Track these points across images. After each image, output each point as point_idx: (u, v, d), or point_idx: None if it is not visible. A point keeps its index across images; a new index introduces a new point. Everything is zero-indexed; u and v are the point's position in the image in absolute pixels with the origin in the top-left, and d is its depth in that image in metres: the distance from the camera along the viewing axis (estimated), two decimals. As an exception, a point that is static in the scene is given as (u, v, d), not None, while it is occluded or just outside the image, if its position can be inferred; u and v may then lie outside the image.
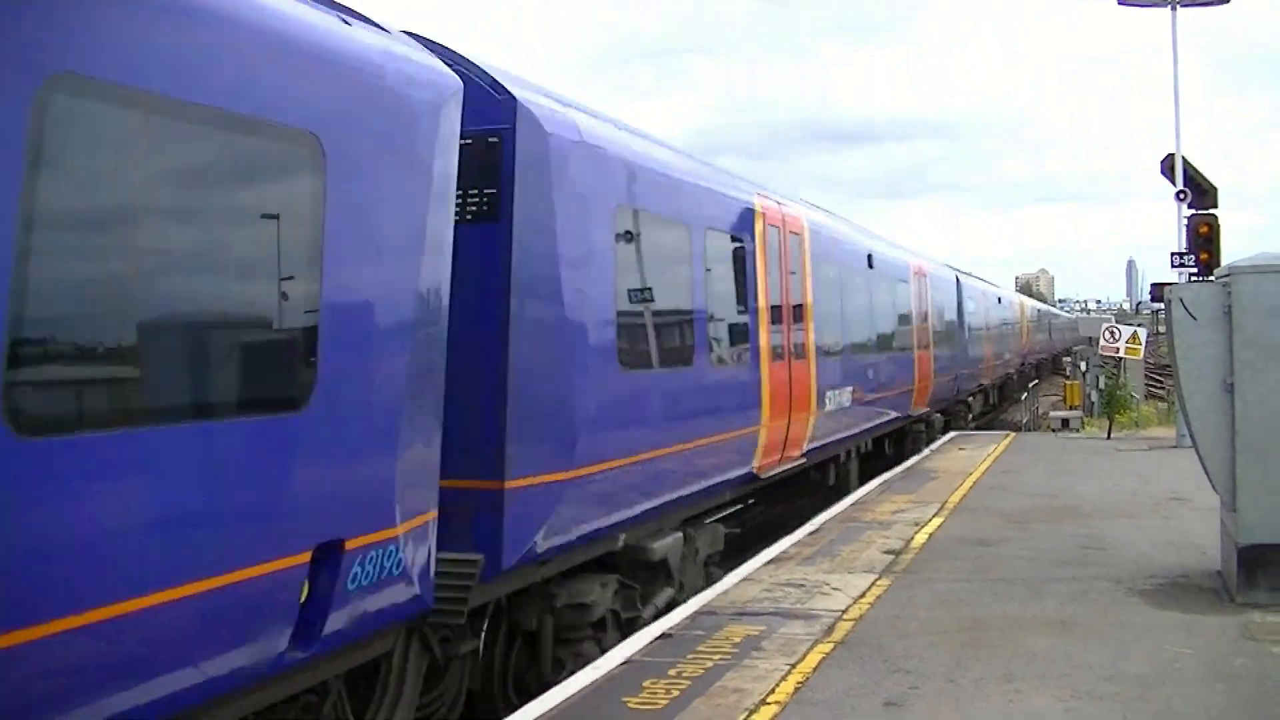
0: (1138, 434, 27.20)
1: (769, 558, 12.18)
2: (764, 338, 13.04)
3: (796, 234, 14.80)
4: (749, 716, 7.15)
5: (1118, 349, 27.01)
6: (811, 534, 13.64)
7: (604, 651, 9.02)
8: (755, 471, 12.96)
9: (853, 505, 15.94)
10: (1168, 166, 23.71)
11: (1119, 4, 24.13)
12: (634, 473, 9.65)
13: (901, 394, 21.64)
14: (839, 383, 16.42)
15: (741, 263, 12.76)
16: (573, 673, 8.48)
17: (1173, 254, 22.81)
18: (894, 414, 21.29)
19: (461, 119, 7.25)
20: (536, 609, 9.07)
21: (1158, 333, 41.65)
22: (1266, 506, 9.62)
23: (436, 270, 6.91)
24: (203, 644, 5.16)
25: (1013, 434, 28.31)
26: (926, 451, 23.32)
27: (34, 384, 4.44)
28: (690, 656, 8.46)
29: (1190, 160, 23.58)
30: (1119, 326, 28.61)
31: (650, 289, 10.32)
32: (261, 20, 5.58)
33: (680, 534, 10.93)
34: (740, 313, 12.67)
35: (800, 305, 14.81)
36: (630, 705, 7.42)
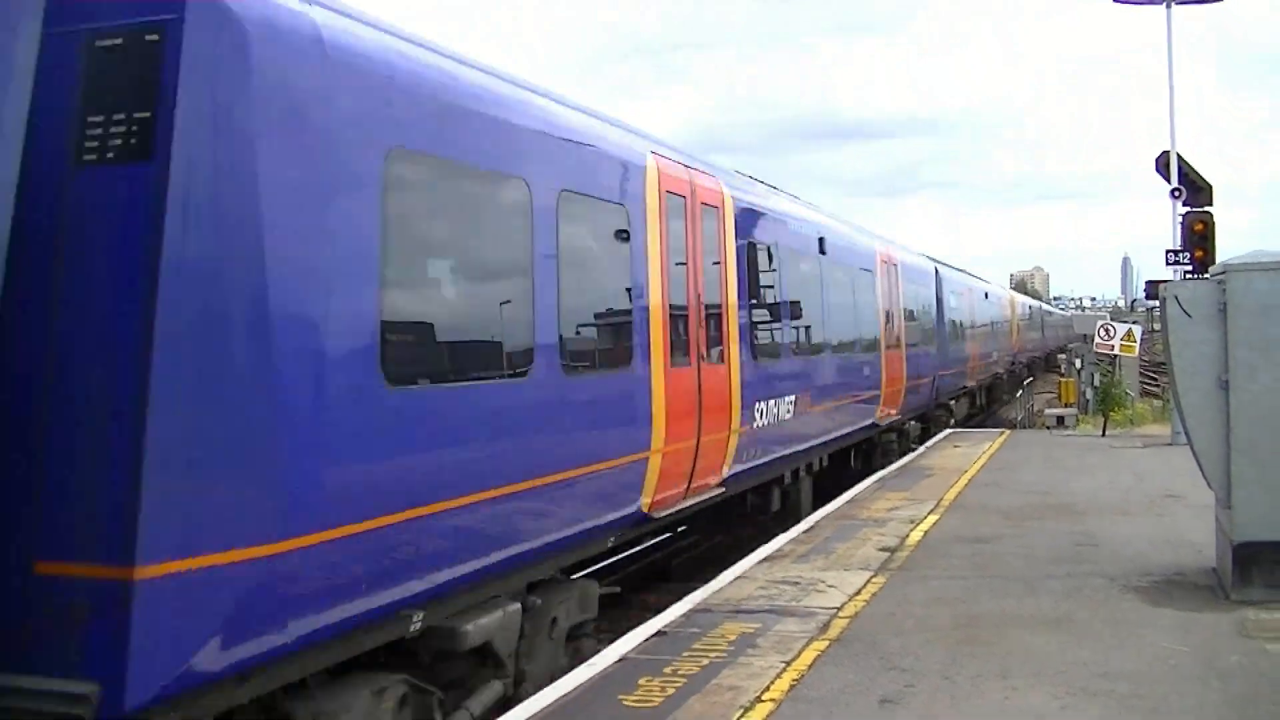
0: (1132, 431, 27.23)
1: (763, 555, 12.18)
2: (657, 338, 10.14)
3: (712, 207, 12.00)
4: (744, 714, 7.15)
5: (1113, 346, 27.05)
6: (806, 531, 13.65)
7: None
8: (645, 510, 10.12)
9: (848, 503, 15.94)
10: (1163, 164, 23.72)
11: (1115, 1, 24.15)
12: (422, 530, 6.80)
13: (866, 400, 19.24)
14: (777, 391, 13.83)
15: (621, 240, 9.86)
16: None
17: (1168, 251, 22.82)
18: (857, 424, 18.79)
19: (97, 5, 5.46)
20: None
21: (1153, 330, 41.72)
22: (1261, 504, 9.64)
23: None
24: None
25: (1008, 431, 28.36)
26: (922, 449, 23.33)
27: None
28: (686, 654, 8.46)
29: (1185, 158, 23.62)
30: (1114, 324, 28.65)
31: (455, 271, 7.75)
32: None
33: (518, 605, 8.19)
34: (617, 306, 9.85)
35: (718, 297, 12.05)
36: (626, 703, 7.42)
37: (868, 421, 19.51)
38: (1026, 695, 7.41)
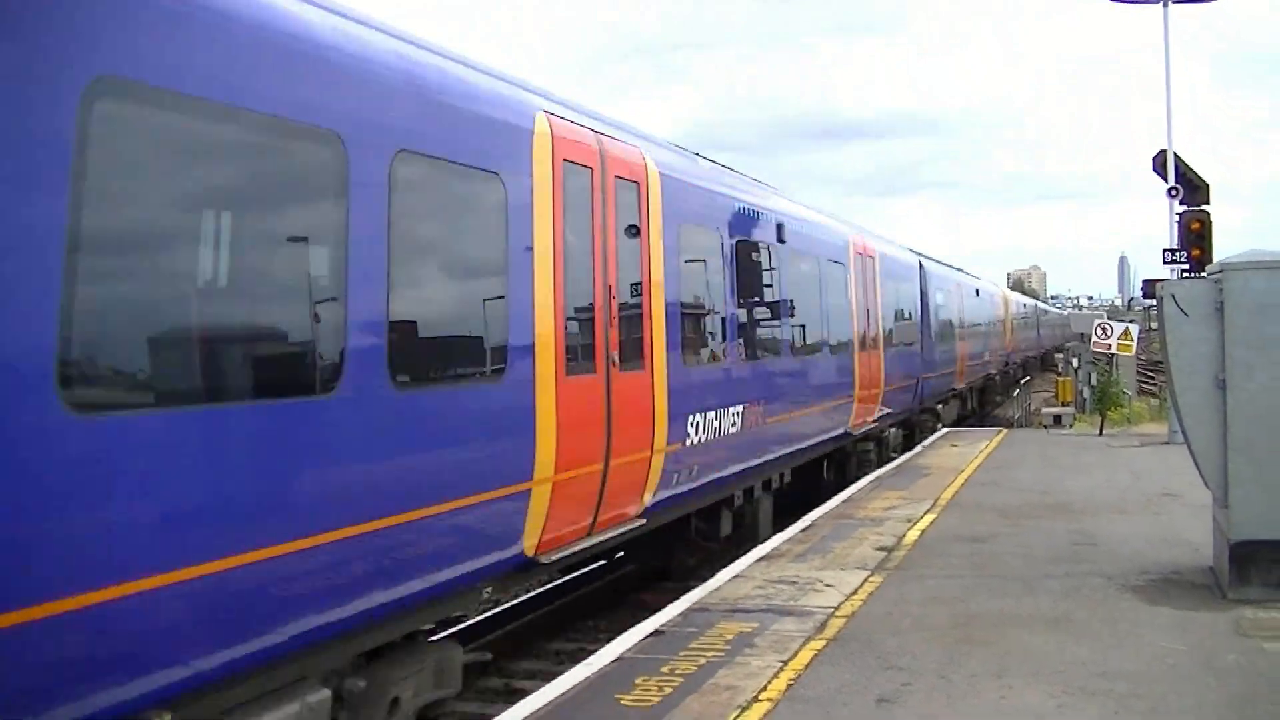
0: (1130, 430, 27.24)
1: (761, 554, 12.16)
2: (546, 341, 8.32)
3: (631, 181, 10.10)
4: (741, 713, 7.14)
5: (1110, 345, 27.06)
6: (804, 531, 13.63)
7: None
8: (529, 553, 8.35)
9: (845, 502, 15.92)
10: (1159, 163, 23.73)
11: (1111, 0, 24.15)
12: (155, 606, 5.10)
13: (836, 407, 17.32)
14: (721, 400, 12.05)
15: (491, 216, 7.96)
16: None
17: (1165, 250, 22.84)
18: (826, 433, 16.91)
19: None
20: None
21: (1150, 329, 41.73)
22: (1259, 503, 9.63)
23: None
24: None
25: (1005, 430, 28.35)
26: (919, 448, 23.32)
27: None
28: (683, 653, 8.45)
29: (1182, 157, 23.64)
30: (1111, 323, 28.66)
31: (201, 249, 5.72)
32: None
33: (326, 692, 6.42)
34: (480, 302, 8.06)
35: (637, 289, 10.18)
36: (623, 702, 7.40)
37: (839, 430, 17.71)
38: (1023, 694, 7.40)
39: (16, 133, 4.59)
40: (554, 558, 8.73)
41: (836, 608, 9.73)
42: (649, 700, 7.40)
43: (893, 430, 22.56)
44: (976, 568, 11.32)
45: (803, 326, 15.71)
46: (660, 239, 10.61)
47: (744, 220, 13.40)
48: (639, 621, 9.73)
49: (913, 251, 26.82)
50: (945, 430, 27.64)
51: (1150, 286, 24.43)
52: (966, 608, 9.68)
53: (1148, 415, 31.20)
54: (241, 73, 5.72)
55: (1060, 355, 55.45)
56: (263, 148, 6.04)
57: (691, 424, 11.13)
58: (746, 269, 13.24)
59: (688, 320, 11.33)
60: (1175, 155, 23.48)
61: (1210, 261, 19.39)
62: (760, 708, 7.22)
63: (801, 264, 15.80)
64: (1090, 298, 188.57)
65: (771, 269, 14.39)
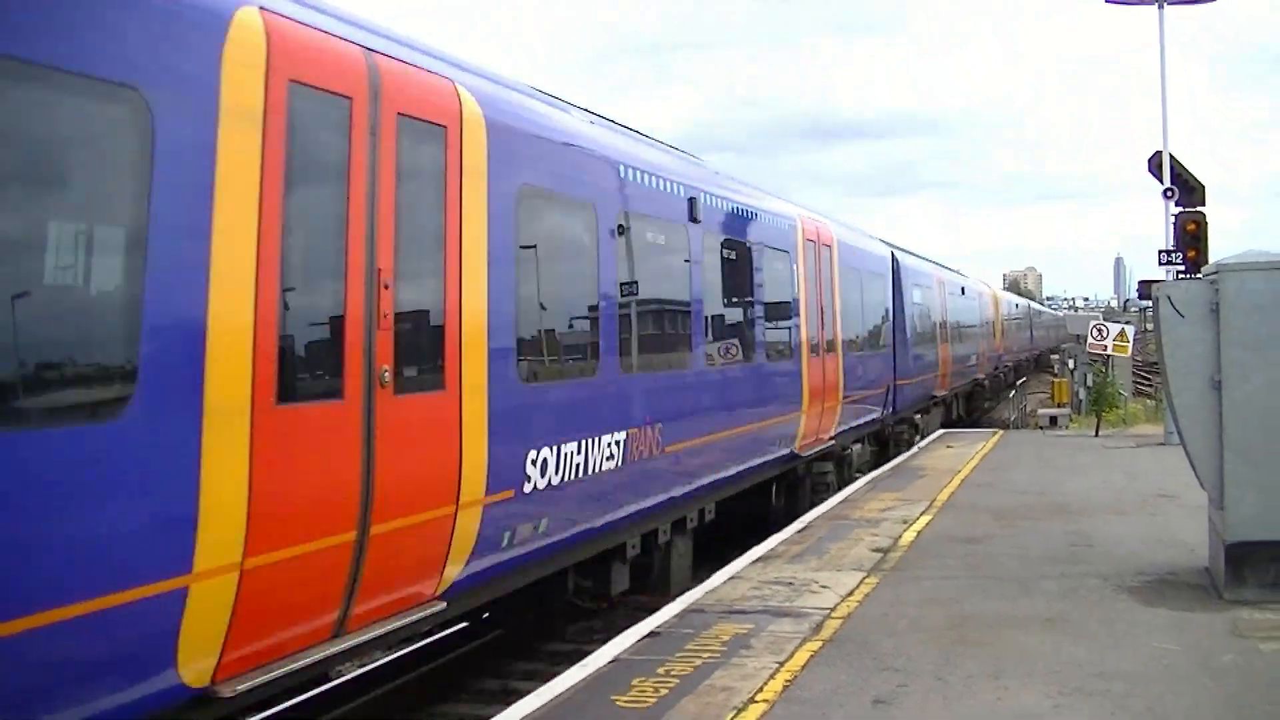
0: (1126, 431, 27.28)
1: (757, 555, 12.16)
2: (227, 349, 5.66)
3: (431, 124, 7.32)
4: (737, 715, 7.12)
5: (1105, 346, 27.08)
6: (800, 532, 13.63)
7: None
8: (198, 685, 5.64)
9: (841, 503, 15.92)
10: (1155, 164, 23.76)
11: (1106, 1, 24.17)
12: None
13: (775, 426, 14.40)
14: (590, 426, 9.29)
15: (124, 156, 5.39)
16: None
17: (1160, 251, 22.87)
18: (764, 456, 14.12)
19: None
20: None
21: (1145, 330, 41.77)
22: (1254, 504, 9.63)
23: None
24: None
25: (1001, 432, 28.36)
26: (915, 449, 23.34)
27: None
28: (679, 655, 8.43)
29: (1178, 158, 23.67)
30: (1107, 324, 28.68)
31: None
32: None
33: None
34: (99, 289, 5.43)
35: (440, 279, 7.40)
36: (619, 703, 7.39)
37: (782, 452, 14.86)
38: (1019, 695, 7.39)
39: None
40: (249, 685, 5.86)
41: (833, 609, 9.73)
42: (645, 702, 7.39)
43: (857, 447, 19.70)
44: (973, 569, 11.31)
45: (723, 328, 12.98)
46: (483, 209, 7.80)
47: (636, 190, 10.53)
48: (635, 623, 9.72)
49: (885, 243, 24.20)
50: (941, 432, 27.64)
51: (1146, 288, 24.52)
52: (963, 609, 9.68)
53: (1144, 416, 31.25)
54: None
55: (1056, 357, 55.48)
56: None
57: (535, 462, 8.41)
58: (638, 255, 10.52)
59: (530, 322, 8.63)
60: (1171, 156, 23.51)
61: (1206, 263, 19.41)
62: (756, 709, 7.21)
63: (726, 249, 12.94)
64: (1086, 299, 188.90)
65: (678, 256, 11.55)
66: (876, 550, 12.28)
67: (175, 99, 5.44)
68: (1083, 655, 8.22)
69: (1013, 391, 44.82)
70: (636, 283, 10.50)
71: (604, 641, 9.24)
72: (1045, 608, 9.64)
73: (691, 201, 11.83)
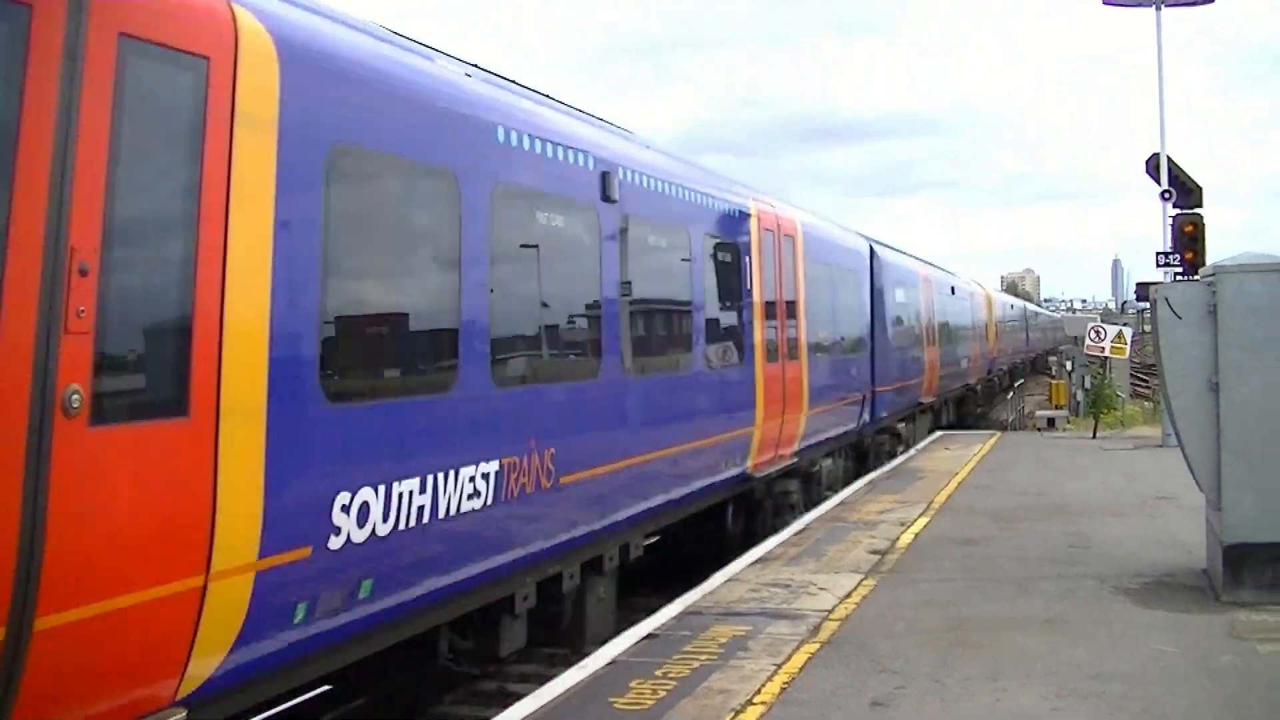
0: (1123, 433, 27.32)
1: (755, 558, 12.16)
2: None
3: (184, 53, 5.34)
4: (735, 717, 7.12)
5: (1103, 348, 27.11)
6: (798, 534, 13.62)
7: None
8: None
9: (839, 505, 15.92)
10: (1153, 166, 23.78)
11: (1104, 3, 24.20)
12: None
13: (719, 444, 12.39)
14: (441, 456, 7.27)
15: None
16: None
17: (1158, 253, 22.90)
18: (710, 478, 12.24)
19: None
20: None
21: (1143, 332, 41.81)
22: (1252, 505, 9.64)
23: None
24: None
25: (998, 434, 28.38)
26: (913, 451, 23.35)
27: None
28: (676, 657, 8.43)
29: (1176, 160, 23.70)
30: (1104, 326, 28.72)
31: None
32: None
33: None
34: None
35: (188, 267, 5.36)
36: (617, 706, 7.39)
37: (731, 472, 12.91)
38: (1017, 697, 7.39)
39: None
40: None
41: (830, 611, 9.73)
42: (643, 703, 7.39)
43: (828, 462, 17.66)
44: (971, 571, 11.32)
45: (649, 330, 11.05)
46: (269, 172, 5.86)
47: (522, 158, 8.53)
48: (633, 624, 9.72)
49: (861, 235, 22.04)
50: (940, 433, 27.66)
51: (1144, 289, 24.55)
52: (960, 611, 9.68)
53: (1141, 418, 31.29)
54: None
55: (1053, 359, 55.49)
56: None
57: (349, 507, 6.38)
58: (523, 237, 8.59)
59: (345, 322, 6.68)
60: (1169, 158, 23.53)
61: (1203, 264, 19.44)
62: (754, 711, 7.21)
63: (652, 236, 11.03)
64: (1084, 300, 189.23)
65: (583, 240, 9.62)
66: (874, 552, 12.28)
67: None
68: (1081, 657, 8.22)
69: (1010, 394, 44.79)
70: (519, 273, 8.57)
71: (601, 643, 9.23)
72: (1043, 609, 9.64)
73: (604, 176, 9.77)
